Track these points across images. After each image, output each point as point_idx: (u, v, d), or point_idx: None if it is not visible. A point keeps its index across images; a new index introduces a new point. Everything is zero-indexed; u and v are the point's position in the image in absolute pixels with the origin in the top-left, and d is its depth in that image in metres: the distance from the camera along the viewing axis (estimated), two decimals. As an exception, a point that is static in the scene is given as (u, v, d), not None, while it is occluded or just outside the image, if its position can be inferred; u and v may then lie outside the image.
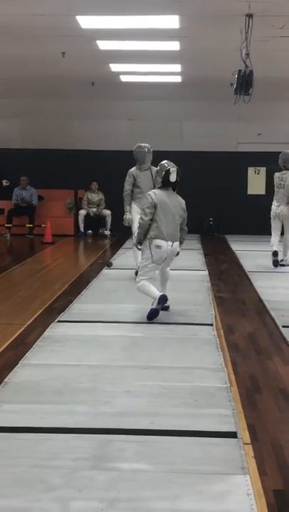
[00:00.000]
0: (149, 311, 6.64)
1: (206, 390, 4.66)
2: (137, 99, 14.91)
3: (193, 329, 6.45)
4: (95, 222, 15.44)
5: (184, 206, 7.02)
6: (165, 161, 7.01)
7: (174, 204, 6.90)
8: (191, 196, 15.02)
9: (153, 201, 6.78)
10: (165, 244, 6.77)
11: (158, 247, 6.75)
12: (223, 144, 15.57)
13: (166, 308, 6.97)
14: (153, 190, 7.08)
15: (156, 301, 6.62)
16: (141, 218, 6.88)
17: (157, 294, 6.67)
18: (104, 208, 15.29)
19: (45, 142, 15.54)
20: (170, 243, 6.80)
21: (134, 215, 9.07)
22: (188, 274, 9.68)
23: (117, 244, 13.43)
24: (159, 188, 7.02)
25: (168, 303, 6.95)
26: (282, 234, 10.73)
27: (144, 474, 3.38)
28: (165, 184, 6.91)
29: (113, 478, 3.33)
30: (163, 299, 6.67)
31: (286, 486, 3.28)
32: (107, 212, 15.14)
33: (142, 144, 9.49)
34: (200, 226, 15.69)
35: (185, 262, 10.76)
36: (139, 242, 6.98)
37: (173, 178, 6.85)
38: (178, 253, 7.09)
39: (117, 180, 14.06)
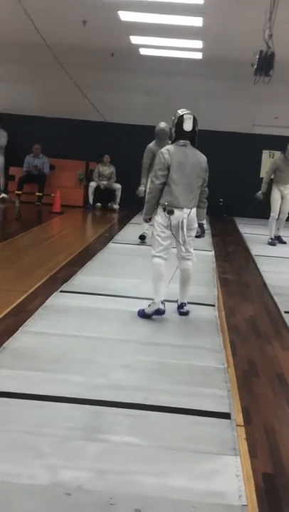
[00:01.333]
0: (141, 310, 5.93)
1: (203, 370, 4.65)
2: (155, 74, 14.77)
3: (195, 308, 6.41)
4: (104, 195, 15.36)
5: (205, 165, 5.90)
6: (180, 109, 5.89)
7: (193, 162, 5.76)
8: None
9: (166, 161, 5.69)
10: (180, 213, 5.70)
11: (171, 213, 5.67)
12: (238, 125, 15.43)
13: (162, 313, 5.88)
14: (167, 147, 5.88)
15: (154, 310, 5.84)
16: (152, 182, 5.96)
17: (158, 299, 5.82)
18: (115, 182, 15.21)
19: (60, 111, 15.40)
20: (186, 210, 5.72)
21: None
22: (194, 253, 9.62)
23: (125, 219, 13.38)
24: (173, 143, 5.85)
25: (186, 308, 6.14)
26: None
27: (134, 448, 3.39)
28: (179, 135, 5.74)
29: (103, 449, 3.34)
30: (159, 313, 5.84)
31: (275, 470, 3.28)
32: (118, 186, 15.07)
33: (165, 125, 9.48)
34: (209, 206, 15.54)
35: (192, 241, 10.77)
36: (147, 213, 6.09)
37: (188, 126, 5.70)
38: (201, 233, 6.14)
39: (129, 154, 14.05)
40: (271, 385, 4.54)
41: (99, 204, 15.35)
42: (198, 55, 13.20)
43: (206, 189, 6.03)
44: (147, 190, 6.24)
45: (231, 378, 4.54)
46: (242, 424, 3.78)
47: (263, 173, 15.70)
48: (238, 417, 3.87)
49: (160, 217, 5.81)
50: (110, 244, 10.01)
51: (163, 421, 3.78)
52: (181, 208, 5.70)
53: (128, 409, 3.88)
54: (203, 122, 16.18)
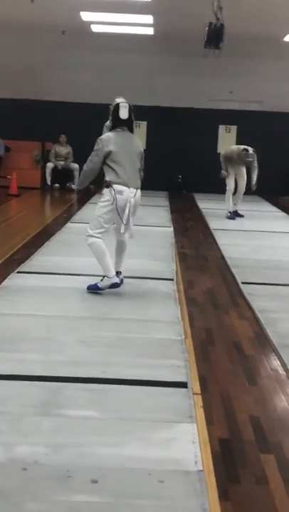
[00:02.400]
0: (93, 284, 5.94)
1: (160, 342, 4.66)
2: (108, 51, 14.65)
3: (154, 283, 6.43)
4: (62, 175, 15.24)
5: (142, 149, 6.08)
6: (117, 98, 6.01)
7: (132, 146, 5.93)
8: (160, 153, 15.06)
9: (102, 148, 5.75)
10: (127, 191, 5.74)
11: (119, 192, 5.71)
12: (194, 100, 15.41)
13: (118, 285, 5.96)
14: (106, 134, 6.00)
15: (108, 284, 5.85)
16: (90, 162, 5.90)
17: (112, 273, 5.85)
18: (72, 162, 15.08)
19: (13, 91, 15.19)
20: (133, 190, 5.80)
21: None
22: (153, 230, 9.66)
23: (83, 199, 13.30)
24: (111, 130, 5.97)
25: (121, 276, 6.14)
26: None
27: (91, 421, 3.39)
28: (116, 123, 5.88)
29: (60, 424, 3.33)
30: (116, 286, 5.90)
31: (231, 435, 3.31)
32: (75, 166, 14.93)
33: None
34: (168, 183, 15.63)
35: (151, 217, 10.79)
36: (80, 184, 6.28)
37: (124, 114, 5.82)
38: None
39: (85, 133, 13.93)
40: (228, 353, 4.58)
41: (57, 185, 15.23)
42: (150, 31, 13.11)
43: (142, 173, 6.11)
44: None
45: (189, 349, 4.56)
46: (199, 392, 3.80)
47: (221, 148, 15.79)
48: (194, 385, 3.89)
49: (106, 197, 5.80)
50: (69, 224, 9.95)
51: (120, 394, 3.78)
52: (128, 187, 5.76)
53: (86, 384, 3.88)
54: (159, 98, 16.29)
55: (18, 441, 3.12)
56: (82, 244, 8.23)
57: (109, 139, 5.81)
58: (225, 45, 9.61)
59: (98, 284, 5.89)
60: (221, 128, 16.07)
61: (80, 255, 7.61)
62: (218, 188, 12.54)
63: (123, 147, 5.81)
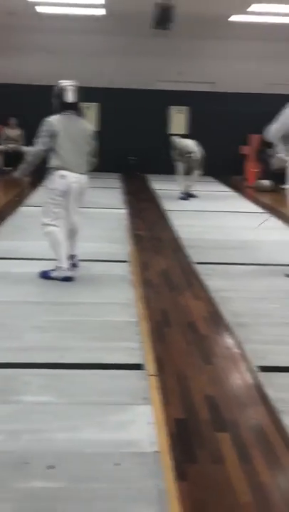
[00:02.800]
0: (45, 271, 5.84)
1: (115, 325, 4.66)
2: (58, 32, 14.45)
3: (108, 266, 6.42)
4: (14, 159, 14.98)
5: (92, 133, 5.95)
6: (63, 80, 5.84)
7: (80, 130, 5.79)
8: (112, 134, 14.97)
9: (49, 128, 5.64)
10: (71, 176, 5.69)
11: (62, 176, 5.68)
12: (144, 81, 15.33)
13: (71, 279, 5.83)
14: (53, 116, 5.77)
15: (61, 277, 5.74)
16: (35, 145, 5.80)
17: (65, 266, 5.75)
18: (23, 145, 14.86)
19: None
20: (77, 175, 5.71)
21: None
22: (107, 212, 9.65)
23: (36, 182, 13.13)
24: (58, 113, 5.76)
25: (76, 259, 6.15)
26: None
27: (47, 406, 3.37)
28: (62, 106, 5.71)
29: (16, 410, 3.31)
30: (68, 280, 5.76)
31: (187, 415, 3.34)
32: (27, 148, 14.73)
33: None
34: (121, 165, 15.57)
35: (104, 200, 10.77)
36: (23, 172, 6.16)
37: (70, 97, 5.68)
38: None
39: (36, 115, 13.73)
40: (183, 333, 4.60)
41: (8, 168, 14.99)
42: (102, 11, 12.94)
43: (95, 159, 6.06)
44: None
45: (144, 330, 4.57)
46: (154, 373, 3.82)
47: (173, 129, 15.78)
48: (150, 367, 3.90)
49: (51, 182, 5.77)
50: (21, 208, 9.86)
51: (77, 378, 3.77)
52: (72, 171, 5.70)
53: (42, 370, 3.86)
54: (110, 80, 16.15)
55: (-28, 429, 3.09)
56: (36, 228, 8.14)
57: (55, 122, 5.69)
58: (175, 25, 9.57)
59: (50, 274, 5.82)
60: (172, 109, 16.04)
61: (33, 239, 7.51)
62: (171, 169, 12.54)
63: (69, 131, 5.70)
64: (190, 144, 11.51)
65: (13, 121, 14.89)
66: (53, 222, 5.80)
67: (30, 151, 5.85)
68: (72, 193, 5.75)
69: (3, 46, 14.82)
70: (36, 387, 3.60)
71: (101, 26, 13.98)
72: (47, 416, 3.26)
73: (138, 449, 2.93)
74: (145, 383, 3.65)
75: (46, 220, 5.84)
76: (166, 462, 2.84)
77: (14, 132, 14.95)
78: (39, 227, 8.15)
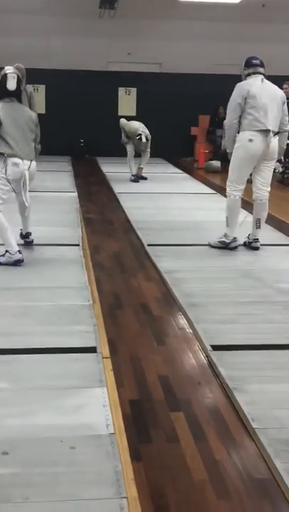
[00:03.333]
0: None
1: (68, 308, 4.64)
2: (1, 12, 14.14)
3: (60, 250, 6.36)
4: None
5: (36, 120, 5.93)
6: (7, 67, 5.84)
7: (24, 117, 5.77)
8: (61, 117, 14.81)
9: None
10: (21, 163, 5.63)
11: (15, 164, 5.60)
12: (92, 62, 15.17)
13: (30, 243, 6.35)
14: None
15: (11, 261, 5.66)
16: None
17: (14, 249, 5.67)
18: None
19: None
20: (27, 162, 5.69)
21: None
22: (57, 195, 9.55)
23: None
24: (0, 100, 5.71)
25: (31, 237, 6.40)
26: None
27: (1, 393, 3.34)
28: (3, 94, 5.69)
29: None
30: (19, 263, 5.68)
31: (141, 396, 3.35)
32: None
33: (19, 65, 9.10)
34: (70, 148, 15.42)
35: (54, 183, 10.67)
36: None
37: (11, 85, 5.66)
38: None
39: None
40: (136, 315, 4.62)
41: None
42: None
43: (39, 146, 6.06)
44: None
45: (97, 313, 4.56)
46: (108, 356, 3.82)
47: (121, 111, 15.67)
48: (104, 349, 3.90)
49: (2, 170, 5.64)
50: None
51: (31, 363, 3.74)
52: (22, 159, 5.65)
53: (-7, 355, 3.81)
54: (56, 61, 15.92)
55: None
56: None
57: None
58: (121, 5, 9.48)
59: (0, 260, 5.71)
60: (121, 90, 15.94)
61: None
62: (120, 152, 12.50)
63: (14, 118, 5.66)
64: (138, 126, 11.49)
65: None
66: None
67: None
68: (23, 179, 5.69)
69: None
70: (-12, 374, 3.56)
71: (47, 7, 13.76)
72: (0, 402, 3.23)
73: (94, 432, 2.93)
74: (100, 366, 3.65)
75: None
76: (123, 444, 2.85)
77: None
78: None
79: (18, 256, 5.70)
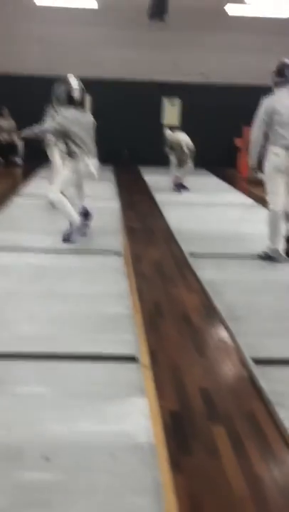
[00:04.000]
0: (66, 234, 6.89)
1: (109, 316, 4.65)
2: (52, 24, 14.37)
3: (102, 258, 6.40)
4: (6, 149, 14.95)
5: (93, 124, 7.01)
6: (68, 75, 6.82)
7: (87, 121, 6.87)
8: (105, 126, 14.91)
9: (61, 121, 6.69)
10: (86, 160, 6.81)
11: (83, 162, 6.79)
12: (138, 72, 15.28)
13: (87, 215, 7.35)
14: (64, 109, 6.75)
15: (75, 229, 6.87)
16: (46, 124, 7.15)
17: (77, 220, 6.87)
18: (16, 135, 14.79)
19: None
20: (93, 160, 6.89)
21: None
22: (99, 204, 9.59)
23: (28, 173, 13.12)
24: (64, 106, 6.71)
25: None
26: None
27: (42, 398, 3.36)
28: (69, 102, 6.68)
29: (10, 402, 3.30)
30: (82, 229, 7.05)
31: (182, 408, 3.34)
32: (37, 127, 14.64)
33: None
34: (114, 157, 15.51)
35: (97, 192, 10.71)
36: (28, 133, 7.07)
37: (76, 95, 6.69)
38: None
39: (28, 106, 13.69)
40: (177, 325, 4.60)
41: (1, 159, 14.95)
42: (94, 5, 12.89)
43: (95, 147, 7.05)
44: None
45: (138, 322, 4.56)
46: (149, 365, 3.81)
47: (166, 120, 15.74)
48: (144, 359, 3.90)
49: (71, 165, 6.81)
50: (14, 199, 9.80)
51: (71, 369, 3.76)
52: (88, 157, 6.84)
53: (35, 361, 3.84)
54: (103, 71, 16.10)
55: None
56: (29, 220, 8.19)
57: (65, 114, 6.67)
58: (168, 17, 9.53)
59: (70, 233, 6.84)
60: (165, 100, 16.00)
61: (26, 231, 7.53)
62: (163, 161, 12.52)
63: (81, 121, 6.73)
64: (182, 137, 11.50)
65: (5, 111, 14.80)
66: (60, 191, 6.83)
67: (43, 126, 7.06)
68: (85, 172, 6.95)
69: (-2, 36, 14.75)
70: (30, 379, 3.59)
71: (96, 18, 13.93)
72: (41, 407, 3.25)
73: (134, 441, 2.93)
74: (140, 375, 3.65)
75: (56, 190, 6.86)
76: (162, 454, 2.85)
77: (7, 123, 14.86)
78: (32, 218, 8.22)
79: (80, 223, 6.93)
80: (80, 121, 6.72)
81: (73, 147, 6.72)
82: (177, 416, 3.25)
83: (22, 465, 2.74)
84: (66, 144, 6.80)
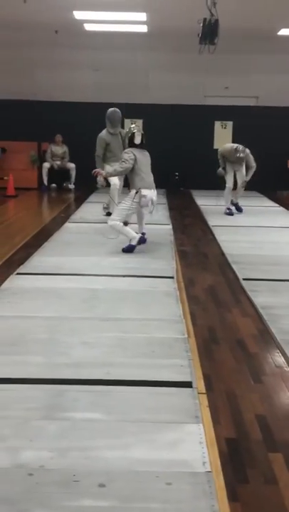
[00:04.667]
0: (127, 245, 7.69)
1: (163, 341, 4.62)
2: (103, 49, 14.59)
3: (154, 282, 6.39)
4: (59, 175, 15.18)
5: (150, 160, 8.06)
6: (133, 126, 8.25)
7: (147, 158, 8.02)
8: (157, 150, 14.98)
9: (134, 155, 7.76)
10: (149, 193, 7.80)
11: (144, 196, 7.73)
12: (189, 96, 15.36)
13: (144, 241, 8.00)
14: (129, 149, 7.89)
15: (136, 240, 7.72)
16: (122, 164, 7.81)
17: (134, 234, 7.75)
18: (69, 161, 15.03)
19: (8, 92, 15.13)
20: (153, 191, 7.87)
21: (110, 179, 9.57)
22: (152, 227, 9.57)
23: (81, 198, 13.27)
24: (132, 148, 7.90)
25: (146, 236, 8.12)
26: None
27: (96, 424, 3.35)
28: (132, 145, 7.92)
29: (65, 427, 3.29)
30: (142, 241, 7.90)
31: (238, 435, 3.28)
32: (72, 165, 14.89)
33: (117, 109, 9.91)
34: (166, 181, 15.56)
35: (149, 215, 10.74)
36: (109, 174, 8.41)
37: (138, 140, 7.91)
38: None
39: (81, 132, 13.91)
40: (232, 351, 4.54)
41: (54, 185, 15.18)
42: (144, 28, 13.05)
43: None
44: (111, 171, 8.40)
45: (192, 347, 4.52)
46: (204, 391, 3.77)
47: (217, 144, 15.74)
48: (199, 384, 3.86)
49: (133, 200, 7.75)
50: (67, 224, 9.92)
51: (125, 395, 3.74)
52: (150, 189, 7.84)
53: (89, 386, 3.84)
54: (154, 96, 16.24)
55: (23, 445, 3.09)
56: (82, 244, 8.27)
57: (134, 152, 7.83)
58: (219, 40, 9.56)
59: (131, 244, 7.72)
60: (217, 124, 16.02)
61: (78, 255, 7.60)
62: (214, 185, 12.50)
63: (142, 158, 7.92)
64: (232, 143, 11.38)
65: (58, 138, 15.05)
66: (118, 219, 7.77)
67: (119, 168, 7.90)
68: (152, 202, 7.96)
69: (50, 63, 15.05)
70: (84, 404, 3.58)
71: (146, 43, 14.09)
72: (96, 433, 3.24)
73: (190, 469, 2.89)
74: (195, 401, 3.61)
75: (114, 218, 7.82)
76: (219, 482, 2.79)
77: (60, 149, 15.11)
78: (84, 242, 8.29)
79: (138, 237, 7.77)
80: (143, 158, 7.90)
81: (136, 180, 7.76)
82: (234, 443, 3.19)
83: (77, 491, 2.72)
84: (131, 178, 7.86)
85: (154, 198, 7.95)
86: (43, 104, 15.28)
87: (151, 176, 8.00)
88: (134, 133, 7.95)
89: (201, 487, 2.75)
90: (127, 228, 7.83)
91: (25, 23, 12.43)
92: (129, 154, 7.81)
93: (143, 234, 8.17)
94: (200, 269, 7.21)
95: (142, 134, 8.01)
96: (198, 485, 2.77)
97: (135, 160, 7.77)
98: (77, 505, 2.63)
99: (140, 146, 7.97)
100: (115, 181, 9.85)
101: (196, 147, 15.61)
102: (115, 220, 7.82)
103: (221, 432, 3.29)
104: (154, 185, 7.98)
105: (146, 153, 8.13)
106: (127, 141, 8.09)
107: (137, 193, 7.74)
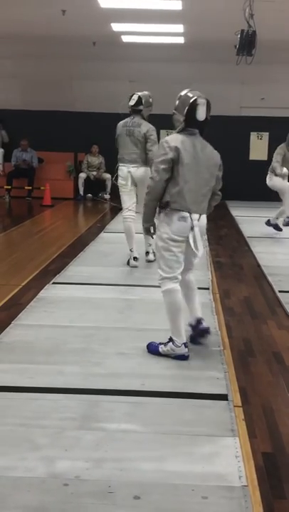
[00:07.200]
0: (154, 345, 4.59)
1: (199, 353, 4.60)
2: (139, 61, 14.65)
3: (190, 293, 6.36)
4: (95, 185, 15.28)
5: (220, 161, 4.76)
6: (186, 90, 4.68)
7: (205, 157, 4.55)
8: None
9: (171, 152, 4.33)
10: (189, 218, 4.37)
11: (182, 218, 4.36)
12: (225, 107, 15.28)
13: (206, 331, 4.75)
14: (172, 136, 4.49)
15: (173, 354, 4.46)
16: (151, 179, 4.43)
17: (181, 340, 4.44)
18: (105, 172, 15.11)
19: (46, 104, 15.30)
20: (197, 216, 4.42)
21: None
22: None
23: (116, 209, 13.31)
24: (179, 131, 4.49)
25: (204, 324, 4.75)
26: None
27: (132, 435, 3.35)
28: (189, 124, 4.46)
29: (100, 438, 3.30)
30: (183, 359, 4.45)
31: (275, 449, 3.24)
32: (107, 175, 14.95)
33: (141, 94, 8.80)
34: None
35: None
36: (148, 220, 4.52)
37: (202, 115, 4.50)
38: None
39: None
40: (268, 364, 4.50)
41: (90, 195, 15.27)
42: (181, 40, 13.07)
43: (220, 194, 4.83)
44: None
45: (228, 360, 4.50)
46: (240, 404, 3.74)
47: (253, 155, 15.71)
48: (235, 397, 3.83)
49: (167, 226, 4.40)
50: (102, 234, 9.97)
51: (160, 406, 3.73)
52: (191, 212, 4.39)
53: (125, 397, 3.84)
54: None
55: (58, 455, 3.10)
56: (117, 254, 8.28)
57: (178, 143, 4.39)
58: (257, 51, 9.54)
59: (160, 349, 4.51)
60: (253, 135, 15.95)
61: (114, 265, 7.61)
62: (249, 195, 12.41)
63: (195, 156, 4.47)
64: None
65: (95, 148, 15.16)
66: (169, 278, 4.45)
67: (150, 187, 4.44)
68: (191, 238, 4.42)
69: (87, 75, 15.16)
70: (120, 415, 3.58)
71: (182, 54, 14.10)
72: (132, 445, 3.24)
73: (226, 483, 2.86)
74: (231, 414, 3.58)
75: (164, 277, 4.47)
76: (256, 497, 2.76)
77: (96, 159, 15.21)
78: (119, 253, 8.30)
79: (183, 350, 4.45)
80: (194, 153, 4.42)
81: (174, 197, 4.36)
82: (270, 457, 3.15)
83: (112, 503, 2.72)
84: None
85: (197, 230, 4.46)
86: (80, 115, 15.42)
87: (204, 191, 4.55)
88: (195, 100, 4.53)
89: (237, 501, 2.73)
90: (181, 317, 4.49)
91: (63, 35, 12.54)
92: (162, 155, 4.40)
93: (200, 321, 4.75)
94: (235, 281, 7.17)
95: (208, 105, 4.66)
96: (234, 499, 2.74)
97: (173, 160, 4.36)
98: (112, 517, 2.62)
99: (202, 128, 4.69)
100: None
101: (232, 158, 15.52)
102: (169, 280, 4.48)
103: (258, 446, 3.26)
104: (202, 207, 4.56)
105: (207, 148, 4.78)
106: (180, 117, 4.51)
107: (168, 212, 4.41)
